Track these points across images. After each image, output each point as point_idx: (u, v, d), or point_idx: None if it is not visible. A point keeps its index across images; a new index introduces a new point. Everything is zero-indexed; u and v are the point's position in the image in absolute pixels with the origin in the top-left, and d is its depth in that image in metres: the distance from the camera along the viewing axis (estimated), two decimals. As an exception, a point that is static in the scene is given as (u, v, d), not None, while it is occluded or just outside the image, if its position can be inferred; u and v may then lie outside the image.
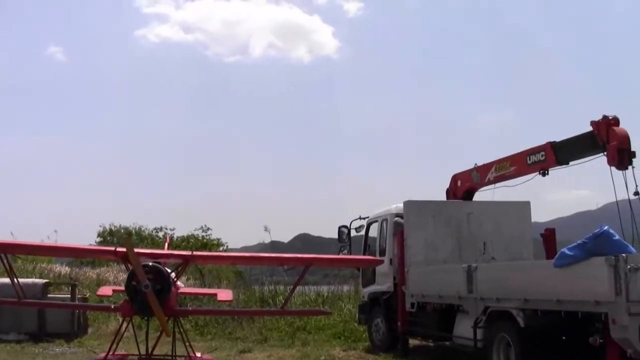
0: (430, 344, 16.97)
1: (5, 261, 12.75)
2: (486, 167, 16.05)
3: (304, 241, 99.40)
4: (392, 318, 16.77)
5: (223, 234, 45.75)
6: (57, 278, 28.18)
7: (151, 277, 11.86)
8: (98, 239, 45.28)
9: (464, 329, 13.55)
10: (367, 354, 16.95)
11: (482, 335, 12.74)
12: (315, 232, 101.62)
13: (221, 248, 41.21)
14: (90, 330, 21.23)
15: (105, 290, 17.35)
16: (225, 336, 21.02)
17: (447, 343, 15.21)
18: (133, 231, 46.01)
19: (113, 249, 12.73)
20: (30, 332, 19.94)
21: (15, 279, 13.15)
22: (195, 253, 14.60)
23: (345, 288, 27.03)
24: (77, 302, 20.65)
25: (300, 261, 14.43)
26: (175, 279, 13.08)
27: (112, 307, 14.62)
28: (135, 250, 12.96)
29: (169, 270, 12.86)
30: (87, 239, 43.81)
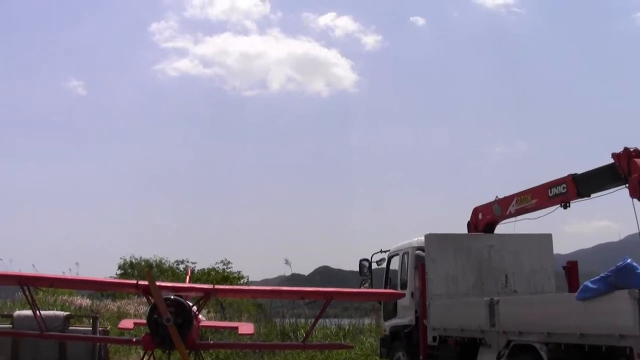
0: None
1: (28, 294, 12.88)
2: (507, 200, 16.00)
3: (324, 274, 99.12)
4: (413, 352, 16.64)
5: (243, 266, 45.72)
6: (78, 310, 28.33)
7: (173, 310, 11.93)
8: (119, 272, 45.40)
9: (486, 362, 13.43)
10: (389, 388, 16.79)
11: (506, 370, 12.62)
12: (335, 265, 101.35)
13: (242, 281, 41.18)
14: (111, 363, 21.20)
15: (127, 324, 17.41)
16: (245, 370, 21.00)
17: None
18: (153, 264, 46.08)
19: (135, 282, 12.80)
20: (50, 364, 19.92)
21: (38, 312, 13.27)
22: (216, 287, 14.63)
23: (367, 321, 26.98)
24: (98, 335, 20.66)
25: (321, 295, 14.43)
26: (196, 313, 13.14)
27: (134, 340, 14.67)
28: (157, 283, 13.06)
29: (191, 304, 12.92)
30: (108, 271, 44.02)
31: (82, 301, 31.89)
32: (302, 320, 26.58)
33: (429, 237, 16.40)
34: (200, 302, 13.44)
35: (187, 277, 19.35)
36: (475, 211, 17.42)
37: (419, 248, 16.97)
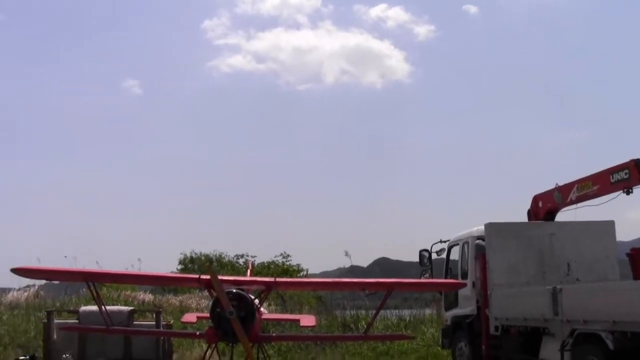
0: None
1: (93, 290, 13.13)
2: (568, 187, 15.79)
3: (383, 265, 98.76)
4: (475, 342, 16.56)
5: (301, 259, 45.71)
6: (140, 305, 28.77)
7: (235, 304, 12.02)
8: (179, 267, 45.84)
9: (550, 352, 13.30)
10: (452, 378, 16.74)
11: (570, 358, 12.47)
12: (393, 257, 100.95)
13: (301, 274, 41.23)
14: (175, 356, 21.50)
15: (190, 317, 17.61)
16: (308, 361, 21.09)
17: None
18: (213, 258, 46.42)
19: (197, 276, 12.95)
20: (116, 358, 20.30)
21: (103, 307, 13.52)
22: (277, 279, 14.72)
23: (427, 312, 26.85)
24: (162, 329, 20.98)
25: (382, 286, 14.40)
26: (258, 306, 13.23)
27: (198, 333, 14.83)
28: (219, 277, 13.18)
29: (253, 297, 13.01)
30: (169, 267, 44.56)
31: (145, 296, 32.35)
32: (363, 312, 26.60)
33: (489, 227, 16.26)
34: (262, 295, 13.50)
35: (249, 271, 19.52)
36: (536, 199, 17.24)
37: (479, 237, 16.82)
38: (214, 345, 13.13)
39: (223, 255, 45.82)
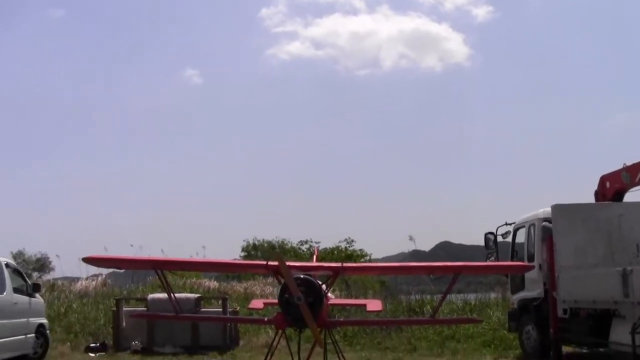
0: (584, 351, 16.48)
1: (162, 278, 13.37)
2: (636, 167, 15.52)
3: (445, 249, 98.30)
4: (543, 325, 16.43)
5: (364, 244, 45.64)
6: (206, 292, 29.21)
7: (303, 289, 12.11)
8: (242, 254, 46.33)
9: (621, 334, 13.14)
10: (519, 362, 16.65)
11: (641, 341, 12.32)
12: (456, 240, 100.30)
13: (365, 258, 41.24)
14: (241, 342, 21.82)
15: (257, 304, 17.81)
16: (374, 346, 21.14)
17: (602, 350, 14.75)
18: (276, 245, 46.77)
19: (265, 263, 13.08)
20: (184, 345, 20.73)
21: (172, 294, 13.76)
22: (345, 265, 14.75)
23: (493, 295, 26.69)
24: (229, 316, 21.30)
25: (449, 269, 14.36)
26: (326, 291, 13.32)
27: (266, 319, 14.98)
28: (287, 263, 13.31)
29: (320, 283, 13.10)
30: (232, 254, 45.05)
31: (210, 283, 32.80)
32: (428, 297, 26.60)
33: (555, 208, 16.02)
34: (329, 280, 13.57)
35: (315, 257, 19.63)
36: (603, 180, 16.98)
37: (545, 219, 16.61)
38: (282, 331, 13.27)
39: (286, 242, 46.17)
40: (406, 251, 37.36)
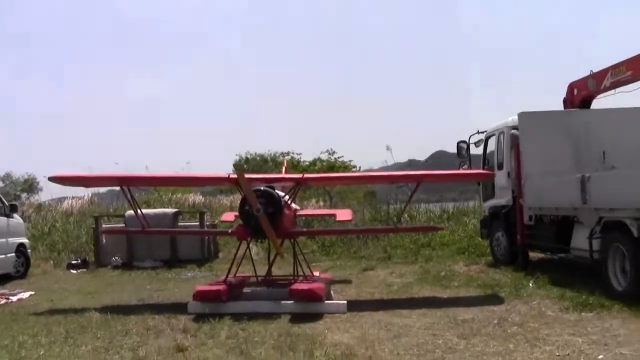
0: (550, 257, 16.71)
1: (127, 193, 13.50)
2: (602, 73, 15.41)
3: (440, 159, 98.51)
4: (512, 232, 16.63)
5: (351, 156, 45.31)
6: (191, 207, 29.46)
7: (263, 201, 12.26)
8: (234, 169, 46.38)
9: (580, 240, 13.30)
10: (488, 268, 16.89)
11: (598, 246, 12.46)
12: (451, 150, 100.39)
13: (352, 169, 41.06)
14: (221, 255, 22.14)
15: (228, 216, 18.01)
16: (350, 255, 21.45)
17: (564, 255, 14.97)
18: (268, 158, 46.85)
19: (227, 175, 13.17)
20: (164, 259, 21.08)
21: (139, 210, 13.93)
22: (306, 175, 14.84)
23: (471, 204, 26.91)
24: (197, 229, 21.55)
25: (410, 178, 14.50)
26: (288, 202, 13.45)
27: (229, 231, 15.20)
28: (248, 175, 13.41)
29: (282, 194, 13.22)
30: (224, 169, 45.15)
31: (195, 197, 33.10)
32: (417, 206, 27.06)
33: (522, 116, 15.96)
34: (292, 191, 13.69)
35: (283, 168, 19.72)
36: (570, 87, 16.92)
37: (514, 127, 16.57)
38: (246, 242, 13.46)
39: (277, 155, 46.21)
40: (386, 163, 36.95)
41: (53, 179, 13.88)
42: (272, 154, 47.28)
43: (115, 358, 8.73)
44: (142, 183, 16.39)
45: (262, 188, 12.66)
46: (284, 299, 11.90)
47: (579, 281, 12.95)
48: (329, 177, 21.06)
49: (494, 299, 12.41)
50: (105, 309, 12.28)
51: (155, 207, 25.41)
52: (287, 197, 13.41)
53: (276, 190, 12.84)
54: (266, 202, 12.32)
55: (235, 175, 12.70)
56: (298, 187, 13.78)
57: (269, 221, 12.07)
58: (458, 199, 33.83)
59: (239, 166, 11.88)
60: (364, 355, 8.38)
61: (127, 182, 13.58)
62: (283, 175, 16.33)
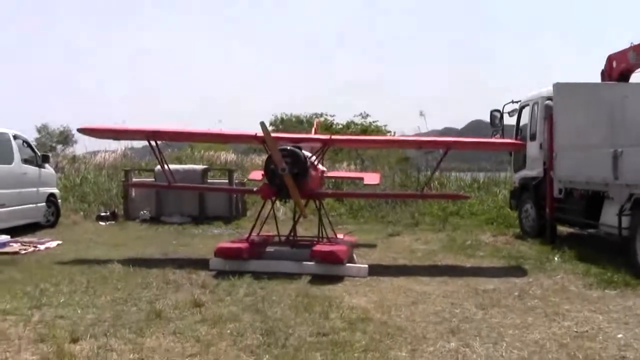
0: (578, 232, 16.46)
1: (155, 148, 13.51)
2: (644, 46, 15.05)
3: (477, 128, 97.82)
4: (541, 204, 16.39)
5: (386, 120, 45.12)
6: (223, 165, 29.57)
7: (289, 160, 12.20)
8: (271, 128, 46.24)
9: (609, 216, 13.04)
10: (515, 240, 16.67)
11: (627, 223, 12.20)
12: (487, 118, 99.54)
13: (387, 133, 40.81)
14: (249, 213, 22.19)
15: (256, 175, 17.97)
16: (377, 220, 21.39)
17: (593, 231, 14.69)
18: (304, 119, 46.77)
19: (254, 133, 13.17)
20: (192, 215, 21.21)
21: (165, 165, 13.98)
22: (333, 137, 14.77)
23: (503, 175, 26.60)
24: (230, 186, 21.61)
25: (438, 144, 14.32)
26: (315, 163, 13.38)
27: (255, 189, 15.18)
28: (274, 135, 13.34)
29: (309, 154, 13.13)
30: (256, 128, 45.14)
31: (228, 156, 33.20)
32: (450, 174, 26.97)
33: (557, 87, 15.59)
34: (320, 152, 13.61)
35: (313, 129, 19.65)
36: (610, 59, 16.52)
37: (549, 98, 16.26)
38: (271, 200, 13.45)
39: (312, 117, 46.11)
40: (419, 129, 36.59)
41: (82, 131, 13.99)
42: (307, 116, 47.22)
43: (133, 310, 8.78)
44: (169, 137, 16.40)
45: (288, 147, 12.61)
46: (305, 259, 11.90)
47: (606, 258, 12.71)
48: (356, 140, 20.98)
49: (517, 271, 12.28)
50: (128, 262, 12.39)
51: (186, 164, 25.55)
52: (313, 157, 13.33)
53: (303, 151, 12.76)
54: (292, 161, 12.27)
55: (262, 134, 12.63)
56: (326, 148, 13.70)
57: (294, 181, 12.03)
58: (491, 169, 33.53)
59: (261, 122, 11.80)
60: (379, 319, 8.34)
61: (154, 136, 13.59)
62: (310, 135, 16.23)
